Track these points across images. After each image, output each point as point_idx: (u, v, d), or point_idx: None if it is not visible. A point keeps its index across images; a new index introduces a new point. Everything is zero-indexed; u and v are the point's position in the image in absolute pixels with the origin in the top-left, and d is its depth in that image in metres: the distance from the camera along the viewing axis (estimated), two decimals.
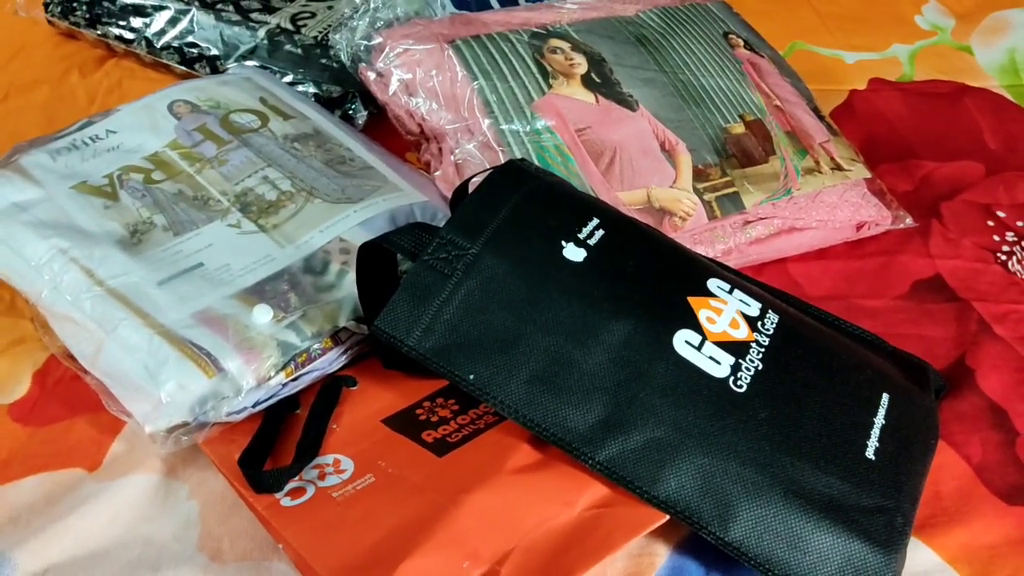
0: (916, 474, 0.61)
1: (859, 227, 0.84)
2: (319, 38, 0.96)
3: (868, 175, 0.86)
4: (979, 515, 0.62)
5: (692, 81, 0.86)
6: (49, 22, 1.05)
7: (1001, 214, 0.88)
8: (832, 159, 0.85)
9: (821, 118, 0.89)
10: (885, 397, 0.63)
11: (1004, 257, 0.83)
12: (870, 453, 0.59)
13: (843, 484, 0.57)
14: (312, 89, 0.93)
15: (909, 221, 0.85)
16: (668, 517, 0.56)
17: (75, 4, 1.02)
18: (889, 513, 0.57)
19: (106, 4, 1.00)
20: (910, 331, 0.76)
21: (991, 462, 0.66)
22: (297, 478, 0.59)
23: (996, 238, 0.86)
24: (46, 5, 1.04)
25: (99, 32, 1.01)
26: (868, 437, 0.60)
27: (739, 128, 0.84)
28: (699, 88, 0.86)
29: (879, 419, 0.61)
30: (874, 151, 0.95)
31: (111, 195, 0.73)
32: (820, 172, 0.83)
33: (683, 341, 0.60)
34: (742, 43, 0.93)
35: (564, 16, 0.89)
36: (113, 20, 1.00)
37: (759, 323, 0.64)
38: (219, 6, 0.98)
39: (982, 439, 0.67)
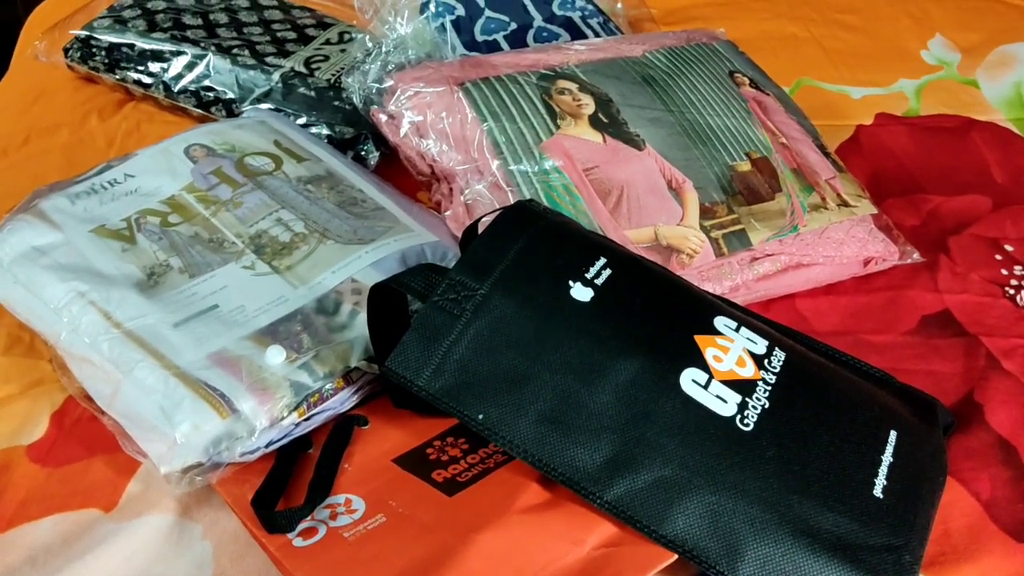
0: (925, 512, 0.61)
1: (866, 263, 0.84)
2: (332, 81, 0.98)
3: (874, 211, 0.87)
4: (988, 552, 0.62)
5: (698, 120, 0.87)
6: (69, 67, 1.08)
7: (1009, 248, 0.89)
8: (838, 195, 0.86)
9: (827, 155, 0.90)
10: (893, 434, 0.63)
11: (1012, 291, 0.84)
12: (878, 491, 0.59)
13: (851, 523, 0.57)
14: (325, 131, 0.94)
15: (916, 256, 0.86)
16: (676, 556, 0.57)
17: (94, 50, 1.04)
18: (897, 551, 0.57)
19: (124, 50, 1.02)
20: (918, 366, 0.76)
21: (1000, 499, 0.66)
22: (309, 518, 0.60)
23: (1004, 272, 0.86)
24: (66, 50, 1.07)
25: (118, 76, 1.03)
26: (876, 475, 0.60)
27: (745, 166, 0.85)
28: (705, 127, 0.87)
29: (887, 456, 0.62)
30: (881, 186, 0.96)
31: (129, 238, 0.75)
32: (826, 208, 0.84)
33: (690, 380, 0.61)
34: (748, 81, 0.94)
35: (572, 57, 0.91)
36: (131, 65, 1.02)
37: (766, 361, 0.64)
38: (235, 51, 1.00)
39: (991, 475, 0.67)
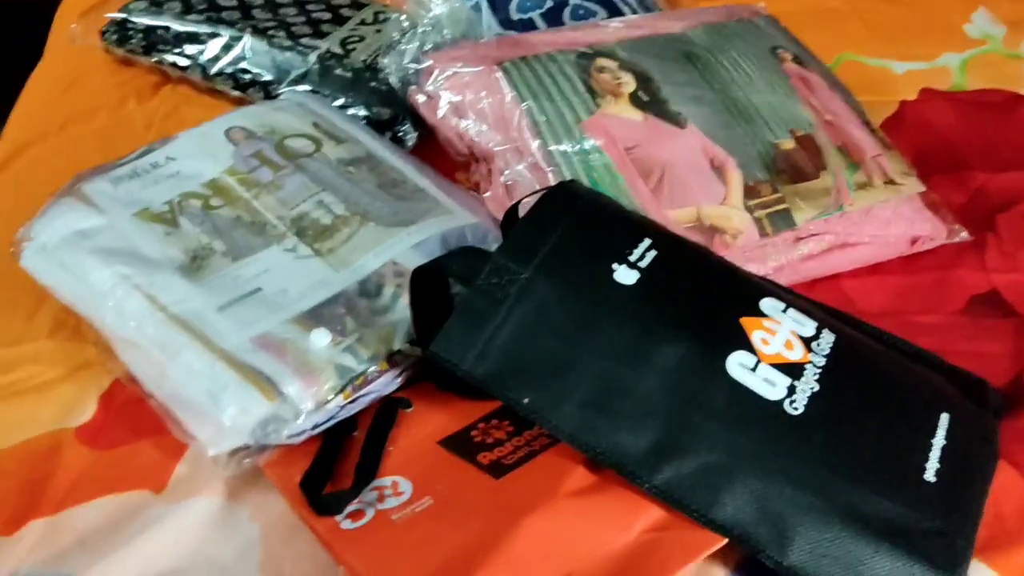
0: (976, 495, 0.61)
1: (913, 242, 0.83)
2: (368, 61, 0.97)
3: (922, 188, 0.85)
4: None
5: (741, 97, 0.86)
6: (106, 50, 1.08)
7: None
8: (885, 173, 0.84)
9: (872, 132, 0.88)
10: (944, 417, 0.62)
11: None
12: (930, 475, 0.59)
13: (902, 508, 0.57)
14: (362, 112, 0.94)
15: (964, 235, 0.84)
16: (726, 541, 0.56)
17: (131, 32, 1.04)
18: (950, 536, 0.57)
19: (161, 32, 1.02)
20: (967, 347, 0.75)
21: None
22: (356, 500, 0.60)
23: None
24: (103, 33, 1.07)
25: (154, 59, 1.04)
26: (927, 459, 0.59)
27: (789, 144, 0.84)
28: (748, 104, 0.86)
29: (938, 440, 0.61)
30: (926, 163, 0.94)
31: (171, 222, 0.75)
32: (872, 187, 0.83)
33: (737, 363, 0.60)
34: (790, 57, 0.92)
35: (610, 35, 0.90)
36: (168, 47, 1.02)
37: (814, 343, 0.64)
38: (271, 32, 1.00)
39: None
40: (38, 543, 0.62)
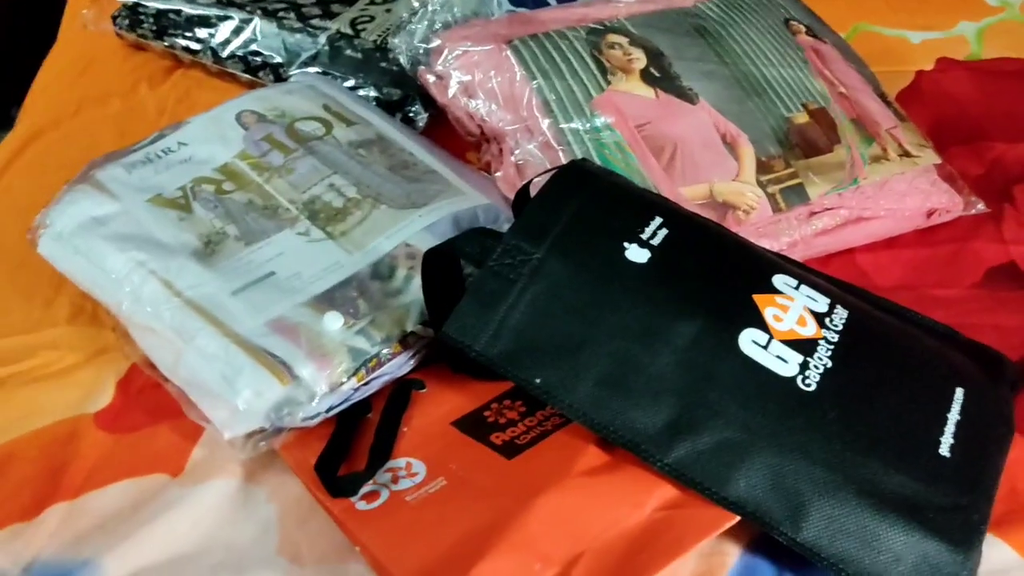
0: (991, 470, 0.60)
1: (929, 214, 0.82)
2: (378, 42, 0.97)
3: (937, 160, 0.85)
4: None
5: (753, 71, 0.85)
6: (118, 35, 1.08)
7: None
8: (900, 146, 0.83)
9: (888, 104, 0.87)
10: (959, 392, 0.62)
11: None
12: (944, 450, 0.58)
13: (917, 483, 0.56)
14: (373, 93, 0.94)
15: (981, 207, 0.83)
16: (739, 518, 0.56)
17: (142, 16, 1.04)
18: (964, 511, 0.56)
19: (172, 16, 1.03)
20: (984, 320, 0.74)
21: None
22: (371, 482, 0.61)
23: None
24: (114, 18, 1.07)
25: (166, 43, 1.04)
26: (942, 434, 0.59)
27: (803, 118, 0.83)
28: (760, 78, 0.85)
29: (953, 415, 0.60)
30: (943, 133, 0.93)
31: (185, 207, 0.75)
32: (887, 159, 0.82)
33: (749, 341, 0.60)
34: (804, 29, 0.91)
35: (621, 10, 0.89)
36: (179, 31, 1.02)
37: (827, 319, 0.63)
38: (280, 14, 1.00)
39: None
40: (59, 527, 0.63)
